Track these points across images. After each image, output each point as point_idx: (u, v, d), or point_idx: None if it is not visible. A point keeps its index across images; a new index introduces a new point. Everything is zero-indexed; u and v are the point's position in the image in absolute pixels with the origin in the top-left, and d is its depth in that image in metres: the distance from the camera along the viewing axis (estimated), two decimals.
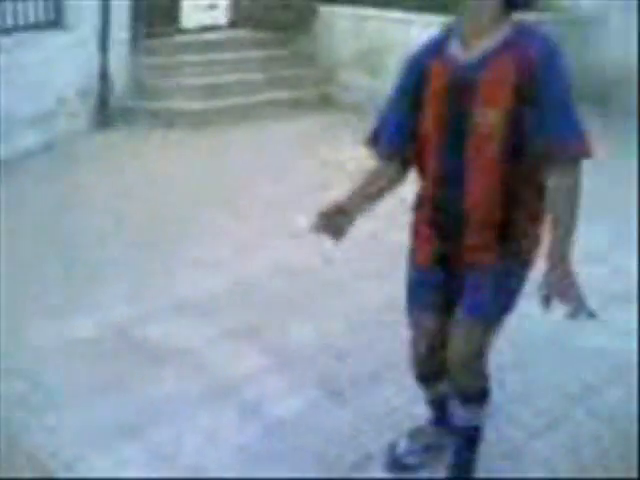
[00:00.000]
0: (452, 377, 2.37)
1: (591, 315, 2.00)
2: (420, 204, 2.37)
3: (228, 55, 8.23)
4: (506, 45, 2.08)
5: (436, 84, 2.18)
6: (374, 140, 2.39)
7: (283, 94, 7.96)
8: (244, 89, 7.80)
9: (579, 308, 1.99)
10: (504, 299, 2.27)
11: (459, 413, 2.44)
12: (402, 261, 2.46)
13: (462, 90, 2.11)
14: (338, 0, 8.60)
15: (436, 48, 2.20)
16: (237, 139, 6.90)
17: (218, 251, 4.40)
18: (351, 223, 2.26)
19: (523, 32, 2.10)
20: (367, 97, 7.95)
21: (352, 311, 3.75)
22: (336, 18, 8.49)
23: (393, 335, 3.18)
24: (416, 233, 2.40)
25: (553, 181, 2.07)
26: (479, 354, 2.31)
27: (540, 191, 2.14)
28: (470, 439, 2.50)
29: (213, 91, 7.58)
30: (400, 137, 2.30)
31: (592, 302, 2.02)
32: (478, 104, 2.09)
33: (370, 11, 8.26)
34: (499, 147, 2.11)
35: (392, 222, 4.13)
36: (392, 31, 7.96)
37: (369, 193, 2.35)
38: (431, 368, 2.46)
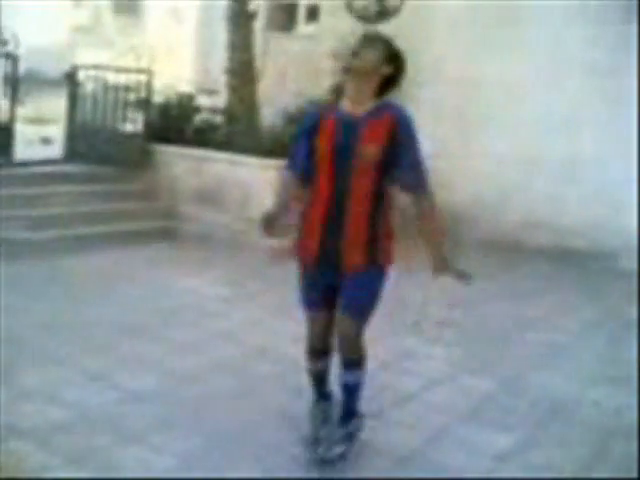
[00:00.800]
0: (340, 352, 3.34)
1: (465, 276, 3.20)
2: (307, 220, 3.29)
3: (64, 188, 8.25)
4: (380, 108, 3.20)
5: (330, 130, 3.20)
6: (290, 166, 3.41)
7: (124, 226, 8.09)
8: (83, 221, 7.83)
9: (460, 275, 3.20)
10: (370, 297, 3.28)
11: (346, 376, 3.38)
12: None
13: (350, 133, 3.15)
14: (175, 141, 9.11)
15: (323, 111, 3.32)
16: (78, 267, 6.87)
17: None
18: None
19: (389, 104, 3.24)
20: (207, 229, 8.38)
21: None
22: (174, 157, 8.93)
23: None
24: (304, 245, 3.30)
25: (418, 207, 3.23)
26: (357, 336, 3.30)
27: (389, 219, 3.25)
28: (354, 392, 3.43)
29: (48, 222, 7.51)
30: (307, 164, 3.28)
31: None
32: (361, 142, 3.13)
33: (208, 152, 8.80)
34: (374, 177, 3.14)
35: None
36: (227, 171, 8.53)
37: (284, 201, 3.38)
38: (321, 347, 3.47)
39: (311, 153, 3.26)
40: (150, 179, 9.01)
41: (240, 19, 9.63)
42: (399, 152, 3.16)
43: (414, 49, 10.14)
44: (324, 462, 3.33)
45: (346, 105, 3.24)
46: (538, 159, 9.50)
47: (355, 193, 3.15)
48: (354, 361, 3.36)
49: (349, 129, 3.17)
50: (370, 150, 3.13)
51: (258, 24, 11.04)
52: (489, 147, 9.93)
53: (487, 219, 9.75)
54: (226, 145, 8.98)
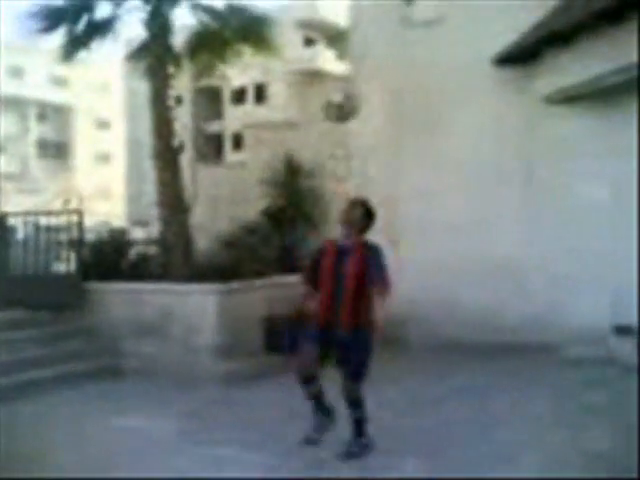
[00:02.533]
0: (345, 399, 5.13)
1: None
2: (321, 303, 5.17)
3: (3, 336, 7.91)
4: (360, 242, 5.22)
5: (331, 253, 5.24)
6: (306, 280, 5.37)
7: (67, 368, 7.75)
8: (26, 366, 7.47)
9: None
10: (362, 356, 5.10)
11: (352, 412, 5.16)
12: None
13: (342, 257, 5.16)
14: (111, 277, 8.92)
15: (327, 244, 5.39)
16: (27, 413, 6.49)
17: None
18: None
19: (365, 240, 5.26)
20: (151, 363, 8.08)
21: None
22: (110, 293, 8.71)
23: None
24: (318, 314, 5.14)
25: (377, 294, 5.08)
26: (358, 391, 5.11)
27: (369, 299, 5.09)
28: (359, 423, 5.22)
29: None
30: (315, 278, 5.26)
31: None
32: (349, 264, 5.13)
33: (145, 285, 8.62)
34: (355, 283, 5.09)
35: None
36: (166, 301, 8.34)
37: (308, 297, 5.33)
38: (311, 374, 5.11)
39: (318, 270, 5.25)
40: (89, 318, 8.72)
41: (166, 156, 9.72)
42: (369, 266, 5.13)
43: (337, 174, 10.70)
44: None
45: (341, 240, 5.28)
46: (471, 264, 9.61)
47: (347, 288, 5.10)
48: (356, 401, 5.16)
49: (343, 253, 5.19)
50: (354, 266, 5.13)
51: (187, 156, 11.19)
52: (423, 256, 10.01)
53: (429, 325, 9.71)
54: (162, 275, 8.86)
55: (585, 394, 6.91)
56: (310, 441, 5.16)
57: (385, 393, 6.82)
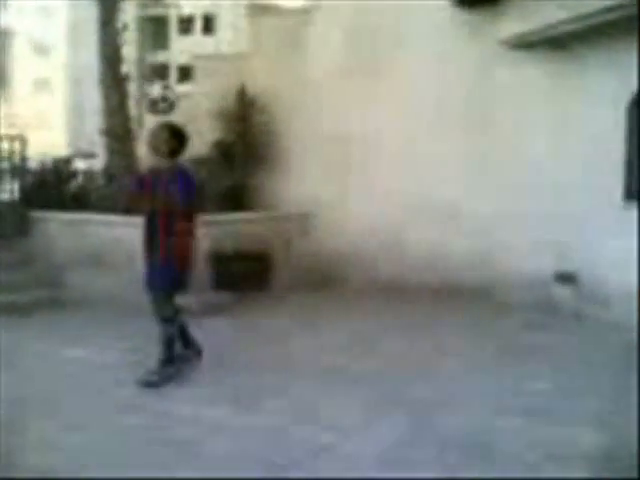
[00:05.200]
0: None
1: None
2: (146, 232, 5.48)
3: None
4: (173, 167, 5.31)
5: (148, 183, 5.37)
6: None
7: (6, 297, 7.55)
8: None
9: None
10: (168, 282, 5.39)
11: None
12: None
13: (156, 186, 5.28)
14: (53, 206, 8.66)
15: (148, 173, 5.51)
16: None
17: None
18: None
19: (180, 164, 5.38)
20: (93, 294, 7.92)
21: None
22: (53, 223, 8.49)
23: None
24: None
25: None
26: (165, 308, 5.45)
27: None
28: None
29: None
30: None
31: None
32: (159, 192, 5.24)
33: (87, 215, 8.41)
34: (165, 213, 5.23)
35: None
36: (109, 232, 8.17)
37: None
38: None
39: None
40: (30, 247, 8.50)
41: (113, 83, 9.42)
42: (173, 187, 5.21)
43: (291, 108, 10.44)
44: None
45: (154, 168, 5.42)
46: (418, 205, 9.64)
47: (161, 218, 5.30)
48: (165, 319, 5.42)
49: (156, 182, 5.29)
50: (164, 187, 5.23)
51: (132, 86, 10.84)
52: (370, 197, 10.01)
53: (371, 266, 9.79)
54: (106, 206, 8.64)
55: (522, 336, 7.09)
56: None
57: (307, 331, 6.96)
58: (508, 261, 8.92)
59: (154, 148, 5.31)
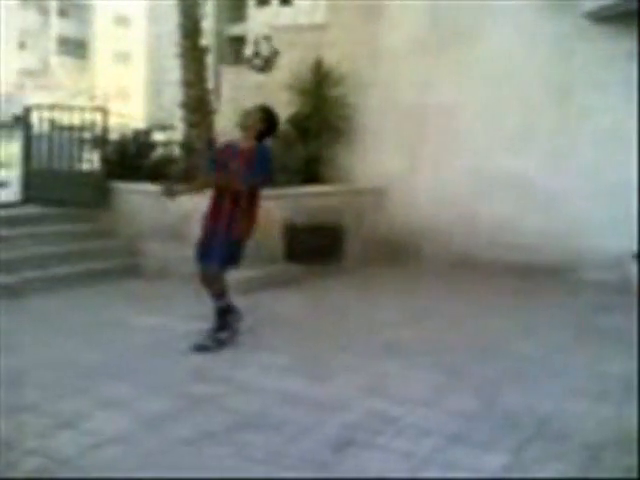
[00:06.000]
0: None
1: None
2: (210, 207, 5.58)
3: (24, 230, 8.02)
4: (253, 147, 5.41)
5: (225, 155, 5.55)
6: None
7: (88, 266, 7.88)
8: (46, 262, 7.59)
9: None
10: (227, 255, 5.48)
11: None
12: None
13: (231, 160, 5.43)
14: (133, 178, 8.93)
15: (227, 145, 5.70)
16: (46, 308, 6.65)
17: None
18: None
19: (261, 145, 5.49)
20: (171, 265, 8.17)
21: None
22: (133, 194, 8.74)
23: None
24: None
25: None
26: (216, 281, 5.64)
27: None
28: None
29: (12, 265, 7.27)
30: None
31: None
32: (234, 161, 5.40)
33: (156, 186, 8.57)
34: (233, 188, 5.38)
35: None
36: (188, 204, 8.35)
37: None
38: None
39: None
40: (110, 217, 8.80)
41: (193, 55, 9.58)
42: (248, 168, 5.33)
43: (368, 81, 10.44)
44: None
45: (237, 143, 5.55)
46: (493, 180, 9.54)
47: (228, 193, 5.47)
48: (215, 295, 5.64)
49: (233, 156, 5.44)
50: (237, 167, 5.37)
51: (210, 58, 11.00)
52: (444, 171, 9.96)
53: (445, 241, 9.76)
54: (185, 179, 8.83)
55: (598, 317, 6.98)
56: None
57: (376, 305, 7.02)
58: (584, 238, 8.78)
59: (242, 126, 5.46)
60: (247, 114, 5.48)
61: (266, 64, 5.49)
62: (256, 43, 5.22)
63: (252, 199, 5.49)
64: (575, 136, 9.05)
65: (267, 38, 5.20)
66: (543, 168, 9.23)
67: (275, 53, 5.24)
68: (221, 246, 5.42)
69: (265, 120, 5.47)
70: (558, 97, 9.22)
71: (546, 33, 9.25)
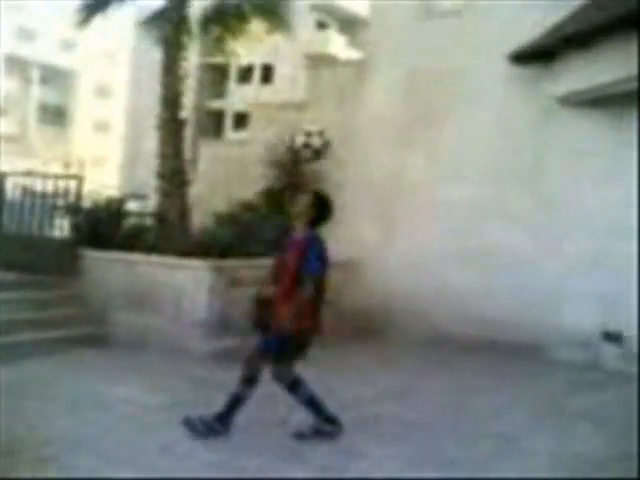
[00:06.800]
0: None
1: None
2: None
3: None
4: (305, 237, 5.09)
5: (284, 247, 5.23)
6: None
7: (56, 333, 7.75)
8: (14, 329, 7.43)
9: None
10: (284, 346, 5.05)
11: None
12: None
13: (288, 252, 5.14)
14: (104, 246, 8.92)
15: (287, 236, 5.30)
16: (11, 376, 6.45)
17: None
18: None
19: (311, 233, 5.14)
20: (140, 334, 8.08)
21: None
22: (103, 262, 8.71)
23: None
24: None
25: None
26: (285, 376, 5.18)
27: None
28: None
29: None
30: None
31: None
32: (289, 254, 5.08)
33: (138, 256, 8.61)
34: (290, 282, 5.02)
35: None
36: (159, 274, 8.34)
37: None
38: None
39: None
40: (80, 285, 8.72)
41: (171, 127, 9.73)
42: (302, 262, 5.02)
43: (343, 158, 10.68)
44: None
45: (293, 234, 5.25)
46: (465, 253, 9.68)
47: (282, 284, 5.13)
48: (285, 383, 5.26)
49: (289, 248, 5.15)
50: (291, 262, 5.04)
51: (188, 131, 11.19)
52: (418, 243, 10.10)
53: (419, 315, 9.80)
54: (156, 248, 8.85)
55: (572, 398, 6.98)
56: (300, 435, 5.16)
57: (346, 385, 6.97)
58: (553, 315, 8.84)
59: (294, 214, 5.21)
60: (298, 201, 5.21)
61: (316, 155, 5.56)
62: (308, 134, 5.30)
63: (313, 288, 5.02)
64: (551, 211, 9.25)
65: (320, 132, 5.29)
66: (517, 244, 9.36)
67: (327, 145, 5.29)
68: (281, 338, 5.03)
69: (316, 205, 5.17)
70: (529, 179, 9.46)
71: (517, 114, 9.54)
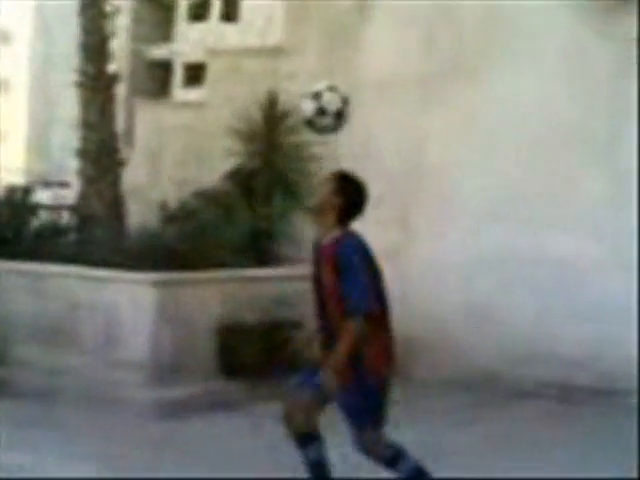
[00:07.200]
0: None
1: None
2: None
3: None
4: (334, 242, 4.84)
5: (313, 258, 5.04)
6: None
7: None
8: None
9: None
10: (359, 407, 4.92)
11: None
12: None
13: (319, 265, 4.90)
14: (6, 254, 8.87)
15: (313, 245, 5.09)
16: None
17: None
18: None
19: (345, 235, 4.88)
20: (54, 378, 7.98)
21: None
22: (4, 276, 8.69)
23: None
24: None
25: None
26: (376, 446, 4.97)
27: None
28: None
29: None
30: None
31: None
32: (324, 277, 4.83)
33: (52, 267, 8.61)
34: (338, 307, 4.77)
35: None
36: (81, 292, 8.27)
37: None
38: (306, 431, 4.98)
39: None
40: None
41: (96, 85, 9.66)
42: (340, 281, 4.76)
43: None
44: None
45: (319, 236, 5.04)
46: (512, 263, 9.64)
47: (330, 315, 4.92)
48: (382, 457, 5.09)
49: (319, 259, 4.94)
50: (330, 281, 4.79)
51: (121, 90, 11.11)
52: (443, 246, 10.06)
53: (453, 349, 9.76)
54: (78, 256, 8.78)
55: None
56: None
57: None
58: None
59: (314, 209, 5.15)
60: (318, 189, 5.16)
61: (337, 121, 5.35)
62: (317, 96, 5.05)
63: (373, 322, 4.90)
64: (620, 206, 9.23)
65: (332, 88, 5.09)
66: (589, 248, 9.32)
67: (346, 101, 5.05)
68: (348, 398, 4.93)
69: (342, 192, 4.95)
70: (599, 153, 9.44)
71: (584, 64, 9.49)
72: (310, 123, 5.84)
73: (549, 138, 9.62)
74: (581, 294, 9.27)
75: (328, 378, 4.66)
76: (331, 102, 5.99)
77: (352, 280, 4.72)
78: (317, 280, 4.91)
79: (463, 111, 10.04)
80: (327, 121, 5.83)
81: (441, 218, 10.09)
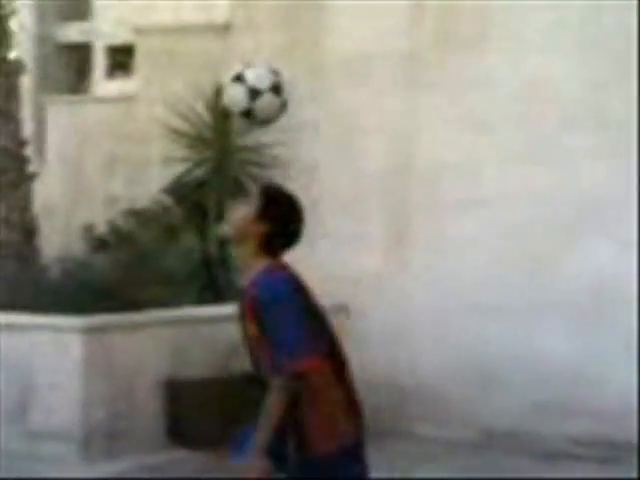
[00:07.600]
0: None
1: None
2: None
3: None
4: (252, 283, 4.35)
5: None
6: None
7: None
8: None
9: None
10: None
11: None
12: None
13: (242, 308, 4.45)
14: None
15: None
16: None
17: None
18: None
19: (266, 272, 4.35)
20: None
21: None
22: None
23: None
24: None
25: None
26: None
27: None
28: None
29: None
30: None
31: None
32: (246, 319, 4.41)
33: None
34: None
35: None
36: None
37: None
38: None
39: None
40: None
41: None
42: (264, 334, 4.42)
43: (305, 120, 10.53)
44: None
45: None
46: (530, 293, 9.70)
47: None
48: None
49: (242, 303, 4.51)
50: (253, 332, 4.43)
51: (27, 82, 11.12)
52: (438, 275, 10.10)
53: (464, 402, 9.82)
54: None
55: None
56: None
57: None
58: None
59: (234, 236, 4.65)
60: (234, 208, 4.68)
61: (278, 96, 5.27)
62: (239, 78, 4.84)
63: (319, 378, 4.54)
64: None
65: (249, 64, 4.99)
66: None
67: (276, 72, 4.94)
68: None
69: (265, 214, 4.48)
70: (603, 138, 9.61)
71: (609, 26, 9.61)
72: (248, 113, 5.24)
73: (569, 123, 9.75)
74: (621, 330, 9.39)
75: (257, 459, 4.36)
76: (260, 78, 5.39)
77: (278, 332, 4.42)
78: (246, 334, 4.62)
79: (459, 92, 10.14)
80: (266, 101, 5.36)
81: (442, 236, 10.17)
